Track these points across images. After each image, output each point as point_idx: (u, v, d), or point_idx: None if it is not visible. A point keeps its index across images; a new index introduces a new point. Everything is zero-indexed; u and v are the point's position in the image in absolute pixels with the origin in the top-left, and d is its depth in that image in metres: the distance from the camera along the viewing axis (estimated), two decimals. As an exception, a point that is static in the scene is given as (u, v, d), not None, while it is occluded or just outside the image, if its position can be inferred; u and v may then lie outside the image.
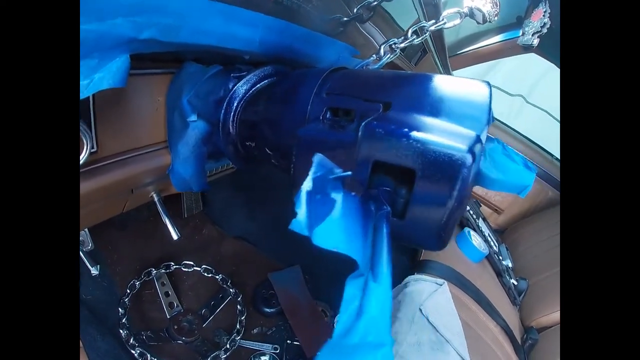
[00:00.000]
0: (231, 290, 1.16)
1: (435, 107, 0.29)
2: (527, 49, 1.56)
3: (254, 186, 1.40)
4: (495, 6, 0.80)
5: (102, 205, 0.49)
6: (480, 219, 1.78)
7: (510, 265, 1.62)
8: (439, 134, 0.24)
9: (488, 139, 0.37)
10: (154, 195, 0.59)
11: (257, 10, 0.44)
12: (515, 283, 1.47)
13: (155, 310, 1.07)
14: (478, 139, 0.26)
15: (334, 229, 0.22)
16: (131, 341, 0.93)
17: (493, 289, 1.31)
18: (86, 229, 0.76)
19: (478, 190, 2.16)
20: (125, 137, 0.40)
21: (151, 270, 1.10)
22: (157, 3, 0.30)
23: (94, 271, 0.68)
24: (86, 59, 0.26)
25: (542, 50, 1.75)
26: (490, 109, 0.30)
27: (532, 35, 1.38)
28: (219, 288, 1.17)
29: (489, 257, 1.48)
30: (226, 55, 0.42)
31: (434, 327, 0.88)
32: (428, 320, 0.90)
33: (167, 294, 1.09)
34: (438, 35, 1.16)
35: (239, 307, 1.12)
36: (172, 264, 1.14)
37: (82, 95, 0.27)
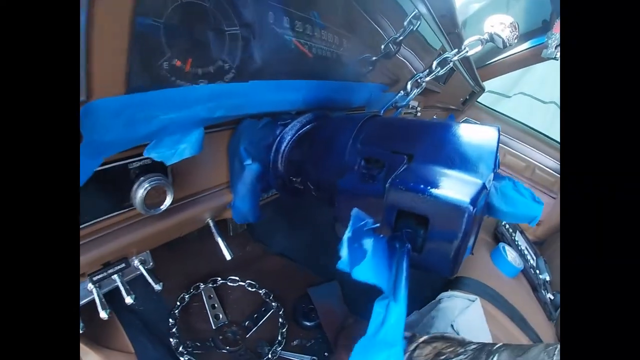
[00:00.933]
0: (273, 304, 1.23)
1: (449, 158, 0.36)
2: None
3: (294, 208, 1.48)
4: (514, 30, 0.82)
5: (166, 233, 0.59)
6: (517, 232, 1.76)
7: (547, 278, 1.59)
8: (449, 186, 0.31)
9: (500, 177, 0.43)
10: (210, 221, 0.68)
11: (295, 65, 0.53)
12: (552, 297, 1.44)
13: (202, 321, 1.16)
14: (482, 187, 0.32)
15: (367, 268, 0.30)
16: (180, 349, 1.03)
17: (527, 304, 1.30)
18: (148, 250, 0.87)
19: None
20: (196, 182, 0.49)
21: (199, 284, 1.20)
22: (225, 91, 0.40)
23: (157, 287, 0.78)
24: (170, 136, 0.36)
25: None
26: (496, 155, 0.37)
27: (555, 48, 1.37)
28: (262, 302, 1.25)
29: (524, 272, 1.47)
30: (276, 113, 0.51)
31: (466, 343, 0.91)
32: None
33: (213, 307, 1.19)
34: (464, 57, 1.20)
35: (280, 320, 1.20)
36: (219, 279, 1.24)
37: (169, 163, 0.37)
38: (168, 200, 0.43)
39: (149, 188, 0.39)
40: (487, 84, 2.03)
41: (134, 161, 0.39)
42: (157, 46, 0.35)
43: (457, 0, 1.54)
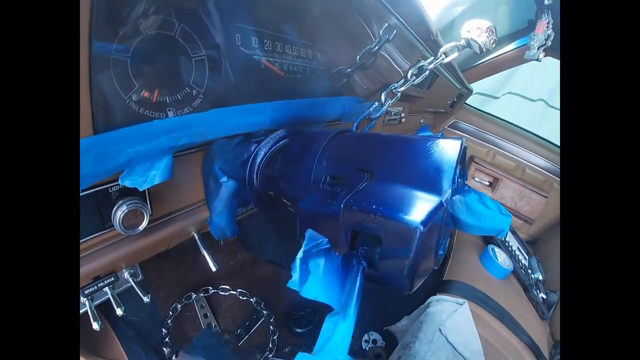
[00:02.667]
0: (264, 311, 1.25)
1: (408, 176, 0.37)
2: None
3: (283, 216, 1.49)
4: (491, 34, 0.81)
5: (152, 246, 0.60)
6: (508, 232, 1.77)
7: (540, 278, 1.60)
8: (403, 206, 0.33)
9: (465, 190, 0.44)
10: (195, 234, 0.69)
11: (266, 84, 0.55)
12: (545, 297, 1.45)
13: (195, 330, 1.18)
14: (439, 205, 0.34)
15: (315, 286, 0.32)
16: (173, 358, 1.04)
17: (518, 305, 1.31)
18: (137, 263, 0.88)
19: (508, 201, 2.15)
20: (173, 202, 0.51)
21: (191, 294, 1.21)
22: (186, 121, 0.42)
23: (146, 299, 0.79)
24: (141, 165, 0.38)
25: (555, 52, 1.72)
26: (455, 172, 0.37)
27: (538, 49, 1.37)
28: (253, 310, 1.27)
29: (515, 273, 1.47)
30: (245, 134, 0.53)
31: (453, 347, 0.92)
32: (447, 339, 0.94)
33: (205, 316, 1.20)
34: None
35: (271, 327, 1.21)
36: (210, 288, 1.25)
37: (142, 188, 0.39)
38: (144, 223, 0.44)
39: (126, 210, 0.41)
40: (476, 86, 2.04)
41: (113, 185, 0.41)
42: (125, 80, 0.37)
43: (437, 4, 1.55)
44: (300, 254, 0.32)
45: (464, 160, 0.45)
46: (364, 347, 1.27)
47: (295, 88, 0.59)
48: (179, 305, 1.19)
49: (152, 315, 1.15)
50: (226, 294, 1.27)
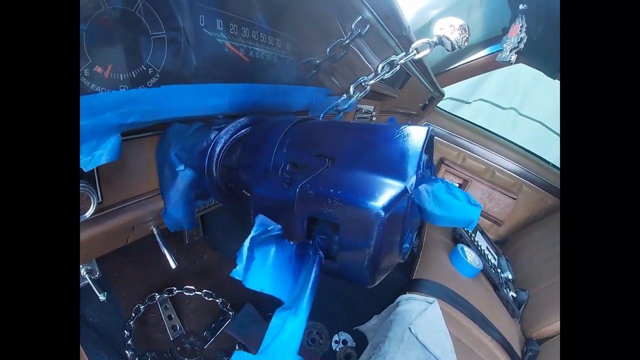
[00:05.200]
0: (230, 312, 1.21)
1: (371, 162, 0.35)
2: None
3: (250, 214, 1.46)
4: (464, 32, 0.81)
5: (107, 241, 0.56)
6: (477, 232, 1.80)
7: (510, 277, 1.63)
8: (364, 191, 0.30)
9: (432, 179, 0.43)
10: (154, 229, 0.65)
11: (229, 69, 0.52)
12: (515, 295, 1.48)
13: (159, 332, 1.13)
14: (403, 191, 0.32)
15: (263, 275, 0.28)
16: (136, 361, 0.99)
17: (489, 303, 1.33)
18: (94, 259, 0.83)
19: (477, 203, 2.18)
20: (124, 189, 0.47)
21: (155, 294, 1.16)
22: (135, 96, 0.38)
23: (102, 297, 0.74)
24: (86, 143, 0.34)
25: (526, 59, 1.78)
26: (421, 158, 0.36)
27: (510, 52, 1.41)
28: (219, 311, 1.22)
29: (485, 272, 1.50)
30: (202, 118, 0.49)
31: (424, 345, 0.92)
32: (417, 338, 0.93)
33: (170, 317, 1.15)
34: (417, 60, 1.22)
35: (238, 328, 1.17)
36: (175, 288, 1.20)
37: (87, 169, 0.35)
38: (91, 209, 0.41)
39: None
40: (447, 91, 2.08)
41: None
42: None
43: (413, 6, 1.56)
44: (247, 241, 0.29)
45: (431, 148, 0.44)
46: (334, 348, 1.25)
47: (261, 76, 0.57)
48: (142, 307, 1.13)
49: (114, 317, 1.10)
50: (191, 294, 1.22)
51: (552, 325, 1.30)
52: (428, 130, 0.38)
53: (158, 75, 0.42)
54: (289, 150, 0.41)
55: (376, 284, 0.32)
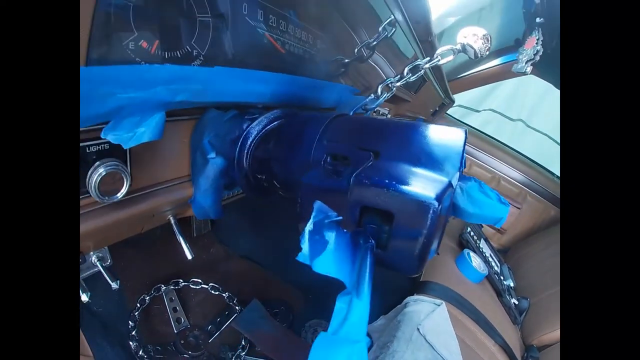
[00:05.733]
0: (237, 307, 1.20)
1: (415, 156, 0.36)
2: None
3: (259, 210, 1.46)
4: (486, 42, 0.83)
5: (124, 228, 0.56)
6: (482, 240, 1.81)
7: (512, 285, 1.64)
8: (415, 182, 0.31)
9: (465, 178, 0.44)
10: (172, 218, 0.65)
11: (266, 59, 0.52)
12: (516, 302, 1.49)
13: (163, 324, 1.12)
14: (448, 185, 0.32)
15: (328, 260, 0.29)
16: (140, 353, 0.98)
17: (492, 308, 1.34)
18: (107, 247, 0.82)
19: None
20: (155, 173, 0.47)
21: (160, 286, 1.15)
22: (188, 74, 0.38)
23: (115, 285, 0.73)
24: (129, 118, 0.34)
25: (539, 72, 1.80)
26: (462, 155, 0.37)
27: (526, 63, 1.43)
28: (225, 305, 1.22)
29: (489, 278, 1.51)
30: (243, 105, 0.50)
31: (431, 346, 0.92)
32: (425, 339, 0.93)
33: (175, 310, 1.14)
34: (437, 66, 1.23)
35: (244, 323, 1.17)
36: (181, 280, 1.19)
37: (127, 146, 0.35)
38: (124, 189, 0.40)
39: (104, 174, 0.37)
40: (457, 98, 2.09)
41: (92, 145, 0.37)
42: (125, 25, 0.34)
43: (433, 12, 1.58)
44: (309, 225, 0.30)
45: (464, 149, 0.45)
46: (338, 348, 1.25)
47: (294, 68, 0.57)
48: (147, 298, 1.12)
49: (118, 307, 1.08)
50: (197, 287, 1.21)
51: (552, 334, 1.32)
52: (465, 131, 0.39)
53: (202, 58, 0.42)
54: (330, 143, 0.41)
55: (420, 273, 0.32)
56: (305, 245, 0.28)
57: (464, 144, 0.38)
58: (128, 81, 0.32)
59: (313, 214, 0.31)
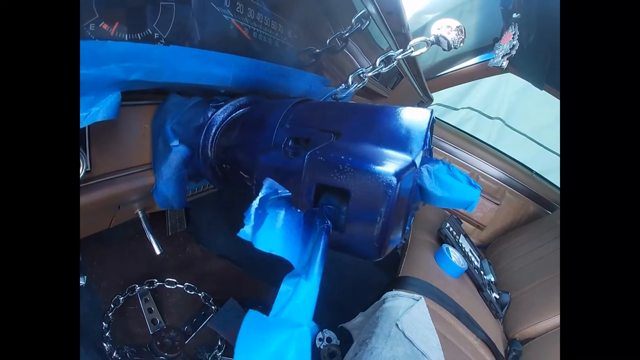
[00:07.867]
0: (213, 307, 1.18)
1: (378, 136, 0.35)
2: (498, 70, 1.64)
3: (236, 206, 1.44)
4: (460, 33, 0.83)
5: (90, 220, 0.53)
6: (461, 235, 1.83)
7: (492, 279, 1.66)
8: (374, 159, 0.30)
9: (433, 160, 0.43)
10: (139, 212, 0.62)
11: (232, 46, 0.51)
12: (497, 297, 1.50)
13: (138, 325, 1.09)
14: (411, 164, 0.32)
15: (273, 236, 0.28)
16: (114, 355, 0.95)
17: (473, 303, 1.34)
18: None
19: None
20: (115, 159, 0.45)
21: (135, 286, 1.12)
22: (143, 51, 0.36)
23: (82, 282, 0.71)
24: (84, 96, 0.32)
25: (515, 69, 1.83)
26: (426, 135, 0.36)
27: (502, 57, 1.46)
28: (201, 305, 1.19)
29: (469, 272, 1.51)
30: (205, 89, 0.48)
31: (410, 342, 0.91)
32: (404, 334, 0.92)
33: (150, 310, 1.11)
34: (412, 60, 1.23)
35: (221, 323, 1.14)
36: (156, 280, 1.16)
37: (81, 126, 0.33)
38: (81, 172, 0.38)
39: None
40: (436, 97, 2.11)
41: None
42: (86, 6, 0.34)
43: (409, 9, 1.59)
44: (256, 202, 0.28)
45: (432, 130, 0.44)
46: (318, 346, 1.24)
47: (261, 56, 0.56)
48: (122, 298, 1.09)
49: (91, 307, 1.05)
50: (173, 287, 1.19)
51: (535, 327, 1.32)
52: (432, 111, 0.38)
53: (163, 41, 0.41)
54: (291, 126, 0.40)
55: (382, 257, 0.31)
56: (249, 222, 0.26)
57: (430, 124, 0.37)
58: (81, 57, 0.31)
59: (262, 190, 0.30)
